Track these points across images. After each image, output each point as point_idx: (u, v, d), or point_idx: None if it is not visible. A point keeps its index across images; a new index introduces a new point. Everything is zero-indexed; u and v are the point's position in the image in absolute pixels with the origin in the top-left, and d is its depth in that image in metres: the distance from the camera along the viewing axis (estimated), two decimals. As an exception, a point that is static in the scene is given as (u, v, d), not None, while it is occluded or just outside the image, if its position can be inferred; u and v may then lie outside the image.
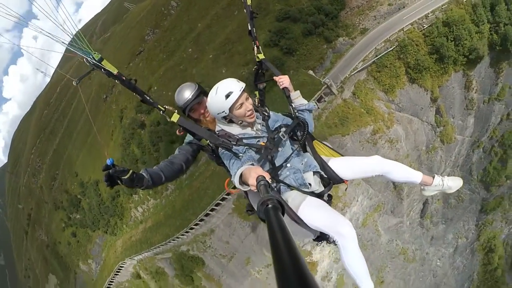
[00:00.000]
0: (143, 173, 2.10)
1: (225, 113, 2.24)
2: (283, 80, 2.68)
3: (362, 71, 29.16)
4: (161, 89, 36.20)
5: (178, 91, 2.62)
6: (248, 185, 1.76)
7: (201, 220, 29.36)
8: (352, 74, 28.60)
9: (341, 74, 28.46)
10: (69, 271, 50.98)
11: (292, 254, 0.61)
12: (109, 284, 41.26)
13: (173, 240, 31.45)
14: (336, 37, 31.67)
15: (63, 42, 1.94)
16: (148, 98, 2.24)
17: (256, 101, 2.76)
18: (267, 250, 30.54)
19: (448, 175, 2.67)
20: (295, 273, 0.55)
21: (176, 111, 2.32)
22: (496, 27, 31.24)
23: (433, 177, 2.62)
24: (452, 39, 30.03)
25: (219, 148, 2.34)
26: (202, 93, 2.58)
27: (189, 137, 2.60)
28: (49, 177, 56.41)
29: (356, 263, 2.14)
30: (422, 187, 2.67)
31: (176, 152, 2.56)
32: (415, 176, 2.52)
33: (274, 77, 2.73)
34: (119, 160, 36.34)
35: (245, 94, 2.26)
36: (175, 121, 2.28)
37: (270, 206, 0.99)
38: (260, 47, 2.85)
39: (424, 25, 30.22)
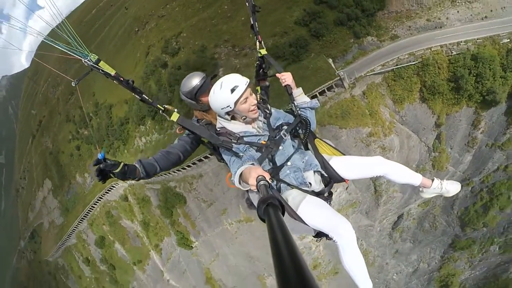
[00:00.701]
0: (136, 165, 2.18)
1: (230, 107, 2.25)
2: (286, 77, 2.65)
3: (378, 74, 30.36)
4: (189, 36, 38.46)
5: (187, 77, 2.70)
6: (248, 184, 1.78)
7: (194, 163, 32.68)
8: (368, 74, 29.89)
9: (357, 71, 29.84)
10: (65, 180, 56.16)
11: (292, 254, 0.62)
12: (98, 200, 46.04)
13: (165, 174, 35.13)
14: (366, 35, 32.64)
15: (59, 44, 1.96)
16: (146, 98, 2.28)
17: (258, 97, 2.76)
18: (243, 207, 34.07)
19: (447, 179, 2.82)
20: (295, 273, 0.55)
21: (175, 110, 2.33)
22: None
23: (432, 180, 2.68)
24: (474, 74, 30.18)
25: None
26: (210, 80, 2.67)
27: None
28: (67, 91, 60.40)
29: (354, 263, 2.18)
30: (420, 189, 2.73)
31: (176, 142, 2.63)
32: (415, 178, 2.58)
33: (277, 74, 2.70)
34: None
35: (250, 89, 2.30)
36: (175, 120, 2.31)
37: (270, 206, 1.01)
38: (262, 42, 2.84)
39: (452, 51, 30.68)
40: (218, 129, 2.43)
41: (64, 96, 60.77)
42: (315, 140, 2.70)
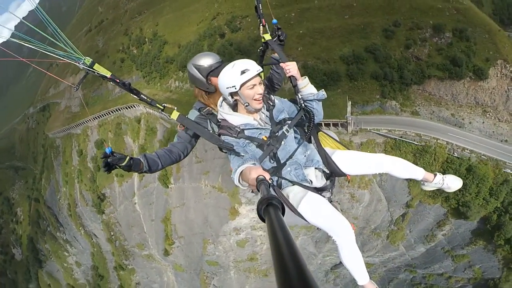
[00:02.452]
0: (141, 159, 2.30)
1: (235, 88, 2.25)
2: (291, 67, 2.51)
3: (381, 136, 34.05)
4: (252, 23, 42.77)
5: (205, 53, 2.73)
6: (248, 183, 1.83)
7: (204, 124, 38.91)
8: (372, 131, 33.57)
9: (365, 124, 34.06)
10: (98, 80, 63.89)
11: (292, 254, 0.63)
12: (117, 109, 53.37)
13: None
14: (392, 98, 35.75)
15: (52, 51, 2.03)
16: (145, 97, 2.34)
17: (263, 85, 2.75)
18: (221, 178, 40.13)
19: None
20: (296, 273, 0.57)
21: (175, 108, 2.37)
22: (503, 212, 32.00)
23: (435, 175, 2.75)
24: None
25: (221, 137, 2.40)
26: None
27: (192, 115, 2.70)
28: (137, 9, 67.17)
29: (353, 260, 2.29)
30: (422, 182, 2.80)
31: (176, 139, 2.69)
32: (417, 173, 2.67)
33: (281, 64, 2.58)
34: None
35: (260, 79, 2.31)
36: (175, 118, 2.38)
37: (270, 206, 1.03)
38: (266, 25, 2.72)
39: (454, 153, 32.45)
40: (219, 121, 2.48)
41: (132, 13, 67.71)
42: (319, 133, 2.71)
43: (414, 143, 33.22)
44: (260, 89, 2.33)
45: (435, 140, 33.13)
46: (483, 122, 36.02)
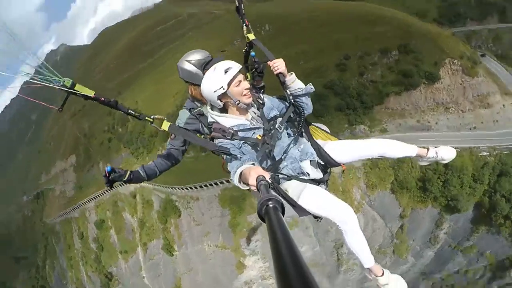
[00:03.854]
0: (140, 171, 2.53)
1: (223, 89, 2.29)
2: (278, 65, 2.58)
3: (358, 161, 37.82)
4: None
5: (197, 50, 2.78)
6: (247, 184, 1.83)
7: (196, 187, 42.09)
8: None
9: None
10: (89, 162, 67.74)
11: (292, 254, 0.65)
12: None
13: (171, 188, 44.62)
14: (359, 123, 38.58)
15: (27, 73, 2.02)
16: (133, 112, 2.41)
17: (251, 85, 2.78)
18: (222, 236, 42.30)
19: None
20: (296, 273, 0.57)
21: (165, 118, 2.43)
22: (493, 193, 33.58)
23: (428, 149, 2.88)
24: (442, 180, 33.10)
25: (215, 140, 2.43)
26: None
27: (183, 115, 2.77)
28: (116, 89, 73.92)
29: (358, 244, 2.37)
30: (418, 159, 2.97)
31: (169, 145, 2.82)
32: (410, 150, 2.77)
33: (268, 62, 2.63)
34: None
35: (242, 75, 2.38)
36: (166, 129, 2.44)
37: (270, 206, 1.05)
38: (250, 25, 2.81)
39: None
40: (209, 124, 2.51)
41: (113, 93, 74.14)
42: (309, 126, 2.85)
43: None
44: (247, 84, 2.39)
45: None
46: (448, 119, 39.45)
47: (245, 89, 2.36)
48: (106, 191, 57.01)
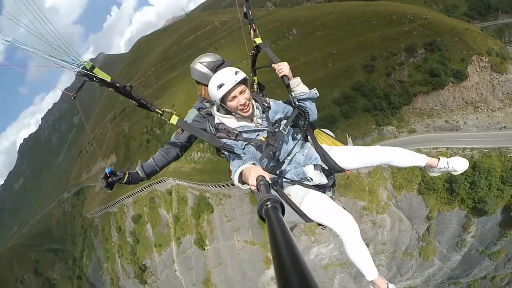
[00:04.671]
0: (139, 171, 2.61)
1: (218, 103, 2.40)
2: (283, 68, 2.68)
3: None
4: None
5: (210, 53, 2.99)
6: (248, 184, 1.87)
7: (228, 185, 45.60)
8: None
9: None
10: (128, 161, 74.22)
11: (292, 254, 0.65)
12: (148, 185, 61.87)
13: (205, 185, 48.72)
14: (387, 124, 39.06)
15: (49, 55, 1.97)
16: (144, 102, 2.41)
17: (255, 88, 2.99)
18: (251, 232, 45.32)
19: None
20: (296, 273, 0.58)
21: (174, 112, 2.49)
22: None
23: (439, 159, 2.76)
24: (470, 181, 32.59)
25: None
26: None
27: (192, 114, 2.82)
28: (154, 95, 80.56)
29: (359, 254, 2.30)
30: (428, 169, 2.83)
31: (173, 139, 2.88)
32: (420, 160, 2.70)
33: (273, 65, 2.75)
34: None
35: (241, 87, 2.36)
36: (174, 123, 2.49)
37: (270, 206, 1.07)
38: (257, 30, 2.92)
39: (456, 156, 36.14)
40: (216, 124, 2.54)
41: (151, 98, 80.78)
42: (315, 130, 2.86)
43: (416, 160, 37.09)
44: (243, 98, 2.37)
45: (435, 150, 35.12)
46: (477, 118, 38.03)
47: (240, 104, 2.38)
48: (144, 188, 62.60)
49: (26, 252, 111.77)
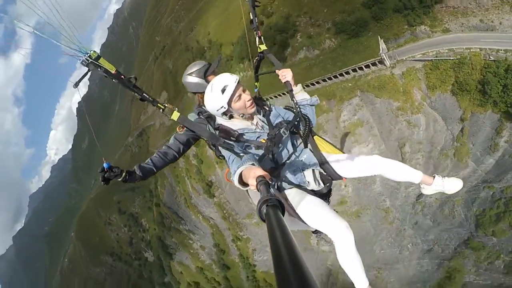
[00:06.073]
0: (136, 171, 2.65)
1: (225, 108, 2.46)
2: (286, 74, 2.85)
3: (418, 61, 36.82)
4: (280, 5, 51.80)
5: (193, 63, 3.23)
6: (247, 184, 1.93)
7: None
8: (407, 59, 37.14)
9: (402, 55, 37.95)
10: (179, 94, 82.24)
11: (292, 254, 0.67)
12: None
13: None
14: (420, 24, 38.14)
15: (57, 42, 1.98)
16: (147, 96, 2.44)
17: (258, 93, 3.11)
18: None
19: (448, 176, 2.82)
20: (295, 273, 0.60)
21: (176, 109, 2.52)
22: None
23: (434, 177, 2.79)
24: (502, 84, 32.11)
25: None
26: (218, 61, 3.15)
27: (192, 118, 2.88)
28: (188, 27, 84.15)
29: (351, 263, 2.37)
30: (421, 186, 2.86)
31: (172, 141, 2.97)
32: (415, 176, 2.72)
33: (276, 71, 2.90)
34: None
35: (241, 86, 2.50)
36: (175, 119, 2.52)
37: (269, 206, 1.11)
38: (262, 37, 3.06)
39: (490, 57, 32.97)
40: (216, 125, 2.64)
41: (186, 30, 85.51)
42: (315, 137, 2.92)
43: (450, 59, 35.40)
44: (247, 95, 2.50)
45: (468, 50, 34.94)
46: None
47: (247, 101, 2.49)
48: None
49: (107, 198, 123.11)
